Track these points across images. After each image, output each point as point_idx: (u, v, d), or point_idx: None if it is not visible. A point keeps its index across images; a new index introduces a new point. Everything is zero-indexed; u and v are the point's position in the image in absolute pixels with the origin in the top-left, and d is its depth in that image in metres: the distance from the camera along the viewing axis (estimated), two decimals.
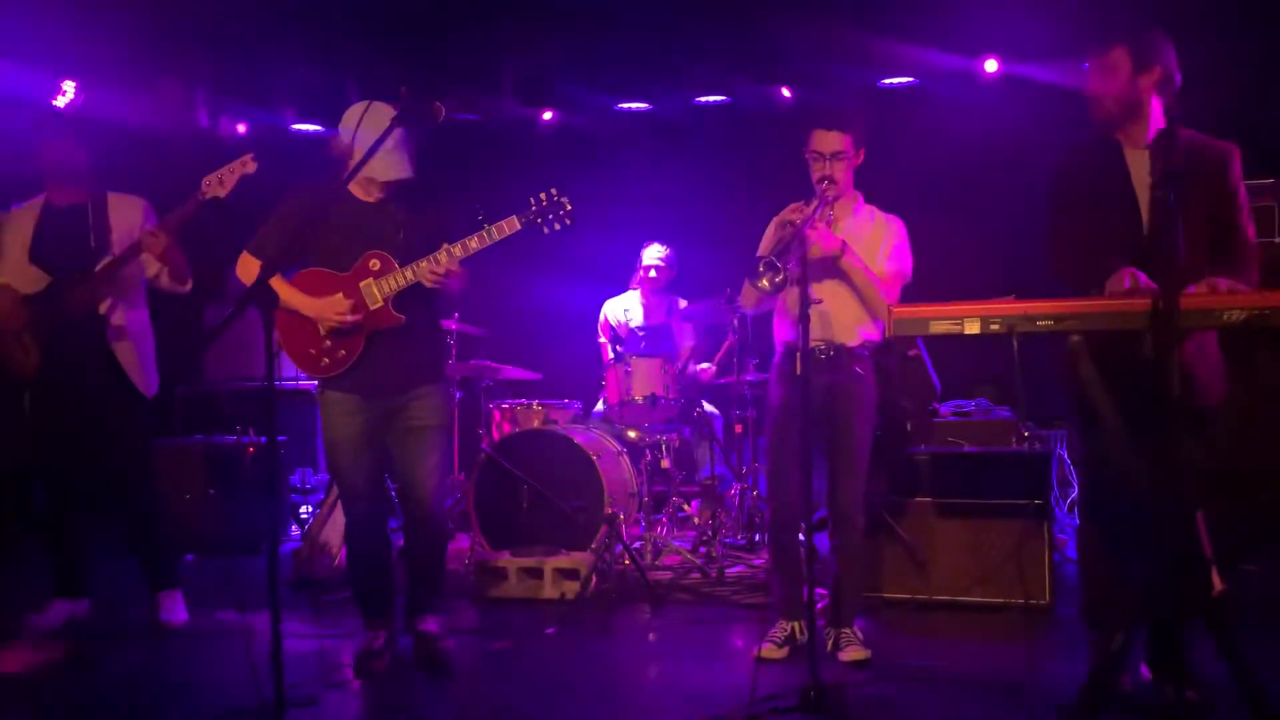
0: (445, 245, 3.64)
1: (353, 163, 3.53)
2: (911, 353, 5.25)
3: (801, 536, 3.78)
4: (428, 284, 3.67)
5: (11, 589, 4.88)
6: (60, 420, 4.29)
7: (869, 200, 3.98)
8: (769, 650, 3.84)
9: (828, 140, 3.75)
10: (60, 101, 6.23)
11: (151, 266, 4.33)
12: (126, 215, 4.38)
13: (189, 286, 4.44)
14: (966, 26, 6.37)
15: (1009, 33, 6.35)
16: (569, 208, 3.68)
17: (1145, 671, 3.32)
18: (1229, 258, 3.08)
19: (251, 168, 4.11)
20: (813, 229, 3.58)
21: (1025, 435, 5.05)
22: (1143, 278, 2.91)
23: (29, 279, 4.27)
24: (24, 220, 4.38)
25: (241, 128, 7.43)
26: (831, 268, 3.75)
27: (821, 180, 3.75)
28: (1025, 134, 5.91)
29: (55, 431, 4.31)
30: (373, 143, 3.37)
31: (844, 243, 3.69)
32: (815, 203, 3.71)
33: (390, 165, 3.65)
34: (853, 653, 3.80)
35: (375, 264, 3.71)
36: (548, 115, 7.66)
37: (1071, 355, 3.11)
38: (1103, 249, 3.14)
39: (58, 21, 6.01)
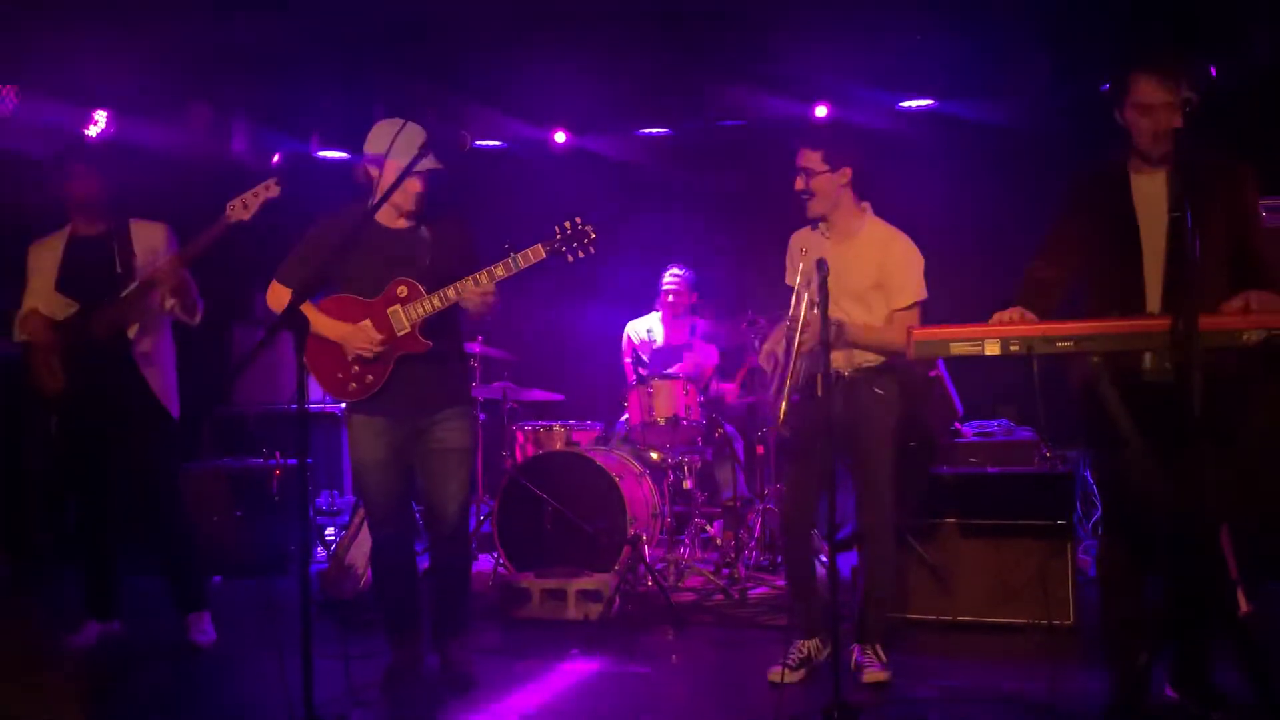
0: (471, 275, 3.69)
1: (382, 186, 3.59)
2: (932, 373, 5.26)
3: (824, 557, 3.81)
4: (472, 310, 3.72)
5: (44, 610, 4.95)
6: (90, 442, 4.38)
7: (881, 214, 3.99)
8: (776, 675, 3.85)
9: (801, 156, 3.86)
10: (92, 131, 6.35)
11: (166, 299, 4.39)
12: (149, 241, 4.46)
13: (197, 319, 4.49)
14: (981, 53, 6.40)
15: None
16: (593, 235, 3.73)
17: (1170, 691, 3.32)
18: (1255, 276, 3.08)
19: (275, 192, 4.19)
20: (804, 331, 3.65)
21: (1048, 455, 5.05)
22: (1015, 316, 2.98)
23: (57, 307, 4.37)
24: (50, 251, 4.47)
25: (275, 157, 7.54)
26: (849, 291, 3.80)
27: (800, 193, 3.87)
28: (1047, 153, 5.93)
29: (85, 453, 4.40)
30: (405, 167, 3.44)
31: (838, 323, 3.67)
32: (796, 302, 3.76)
33: (418, 159, 3.69)
34: (873, 674, 3.81)
35: (403, 290, 3.76)
36: (560, 137, 7.73)
37: (1091, 376, 3.14)
38: (1099, 274, 3.19)
39: (90, 51, 6.13)
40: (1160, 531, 3.13)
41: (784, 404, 3.59)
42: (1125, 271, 3.14)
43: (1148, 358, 3.07)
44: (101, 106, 6.39)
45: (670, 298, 6.60)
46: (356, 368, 3.79)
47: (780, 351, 3.78)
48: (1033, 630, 4.38)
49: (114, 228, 4.46)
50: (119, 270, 4.37)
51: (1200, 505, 2.80)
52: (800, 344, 3.61)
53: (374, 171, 3.76)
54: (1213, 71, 3.10)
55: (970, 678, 3.87)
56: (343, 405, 3.94)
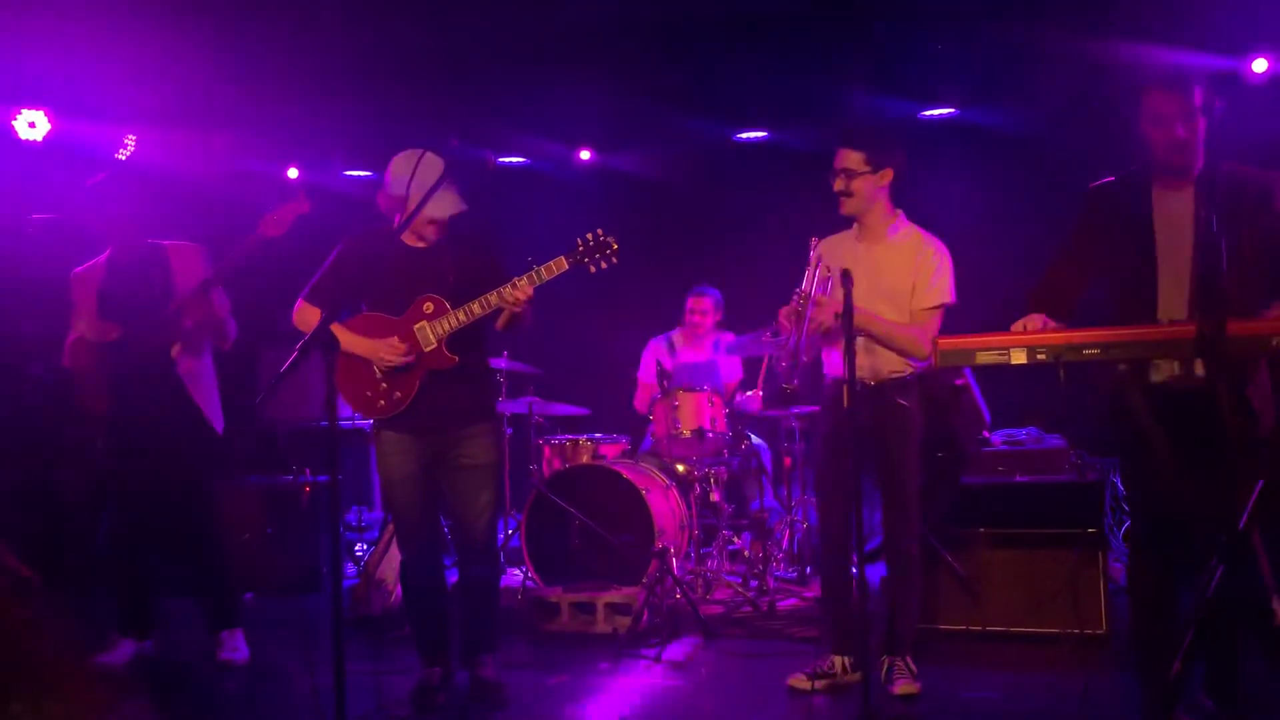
0: (496, 289, 3.72)
1: (407, 211, 3.63)
2: (959, 382, 5.23)
3: (853, 569, 3.79)
4: (501, 324, 3.72)
5: (78, 628, 5.00)
6: (136, 459, 4.42)
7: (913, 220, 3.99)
8: (798, 681, 3.85)
9: (841, 157, 3.84)
10: (122, 155, 6.44)
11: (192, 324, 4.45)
12: (188, 262, 4.52)
13: (228, 344, 4.56)
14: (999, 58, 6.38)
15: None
16: (614, 247, 3.74)
17: (1206, 701, 3.29)
18: None
19: (305, 207, 4.25)
20: (815, 309, 3.65)
21: (1078, 463, 5.01)
22: (1039, 322, 2.95)
23: (102, 331, 4.43)
24: (91, 279, 4.55)
25: (294, 172, 7.61)
26: (883, 292, 3.79)
27: (838, 194, 3.85)
28: (1068, 164, 5.89)
29: (131, 469, 4.44)
30: (424, 195, 3.49)
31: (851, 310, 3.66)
32: (810, 276, 3.75)
33: (445, 204, 3.74)
34: (904, 686, 3.79)
35: (429, 307, 3.80)
36: (585, 155, 7.76)
37: (1119, 383, 3.13)
38: (1115, 284, 3.17)
39: (117, 76, 6.23)
40: (1191, 539, 3.10)
41: (790, 363, 3.61)
42: (1138, 283, 3.13)
43: (1175, 365, 3.05)
44: (131, 130, 6.48)
45: (695, 318, 6.60)
46: (384, 385, 3.82)
47: (792, 323, 3.75)
48: (1064, 640, 4.35)
49: (152, 252, 4.53)
50: (159, 292, 4.44)
51: (1232, 512, 2.77)
52: (811, 319, 3.61)
53: (395, 205, 3.78)
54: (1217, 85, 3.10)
55: (1002, 689, 3.84)
56: (370, 421, 3.97)
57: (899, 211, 3.93)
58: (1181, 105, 3.08)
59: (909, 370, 3.85)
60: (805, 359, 3.72)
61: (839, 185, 3.84)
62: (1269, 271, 3.07)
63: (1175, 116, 3.09)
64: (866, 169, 3.80)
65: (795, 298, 3.70)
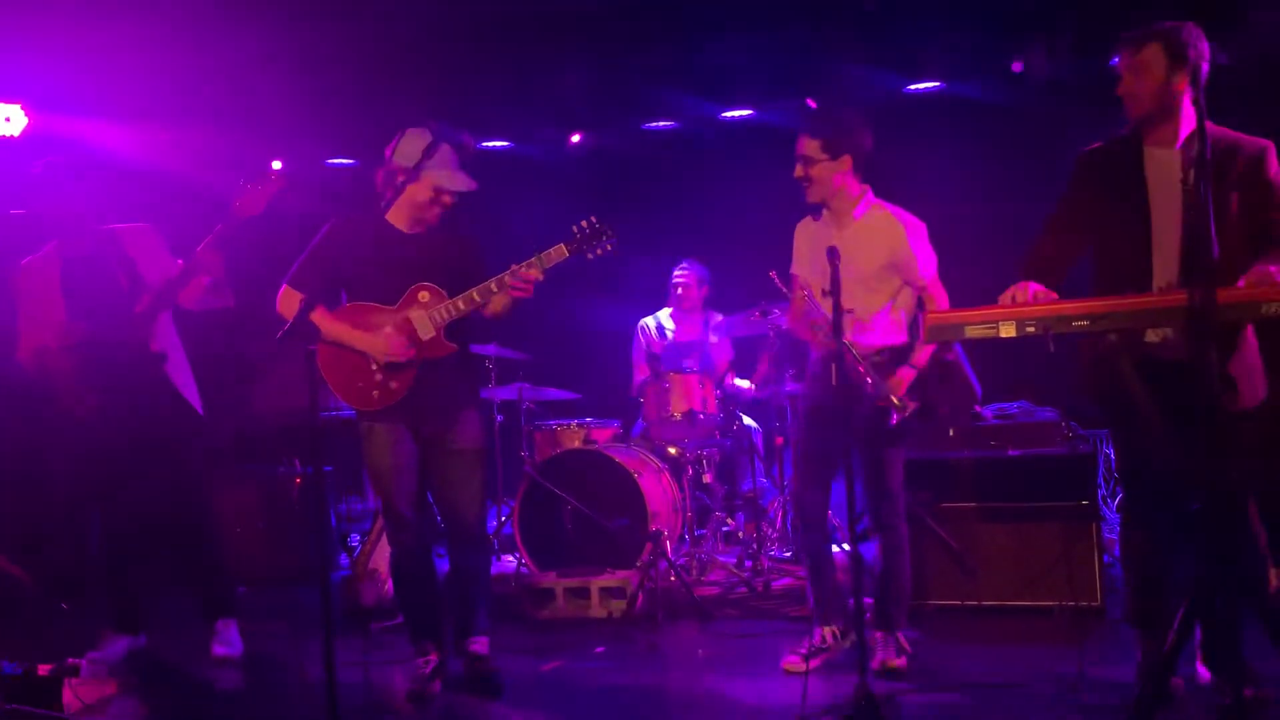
0: (495, 277, 3.69)
1: (410, 196, 3.65)
2: (949, 356, 5.21)
3: (846, 545, 3.79)
4: (489, 310, 3.73)
5: (72, 625, 4.98)
6: (127, 454, 4.33)
7: (885, 198, 3.96)
8: (792, 665, 3.86)
9: (801, 144, 3.85)
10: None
11: (196, 288, 4.33)
12: (144, 245, 4.40)
13: (232, 300, 4.41)
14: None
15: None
16: (611, 233, 3.72)
17: (1203, 671, 3.29)
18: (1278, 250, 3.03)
19: (282, 182, 4.11)
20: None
21: (1070, 436, 5.00)
22: (1030, 290, 2.92)
23: (71, 331, 4.29)
24: (45, 273, 4.38)
25: (277, 164, 7.53)
26: (857, 278, 3.77)
27: (798, 180, 3.87)
28: (1059, 133, 5.87)
29: (122, 466, 4.35)
30: (438, 167, 3.49)
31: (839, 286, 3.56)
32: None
33: (458, 180, 3.74)
34: (897, 662, 3.81)
35: (425, 295, 3.76)
36: (576, 138, 7.71)
37: (1109, 353, 3.11)
38: (1107, 250, 3.16)
39: (94, 69, 6.16)
40: (1183, 509, 3.09)
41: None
42: (1132, 246, 3.11)
43: (1159, 333, 3.03)
44: (108, 122, 6.40)
45: (679, 290, 6.58)
46: (379, 376, 3.77)
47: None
48: (1059, 613, 4.35)
49: (106, 238, 4.38)
50: (125, 283, 4.33)
51: (1226, 480, 2.76)
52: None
53: (399, 179, 3.71)
54: (1192, 44, 3.07)
55: (996, 663, 3.84)
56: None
57: (865, 189, 3.90)
58: (1125, 59, 3.14)
59: (887, 347, 3.84)
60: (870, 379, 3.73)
61: (798, 172, 3.85)
62: (1253, 239, 3.05)
63: (1121, 70, 3.15)
64: (824, 156, 3.80)
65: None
